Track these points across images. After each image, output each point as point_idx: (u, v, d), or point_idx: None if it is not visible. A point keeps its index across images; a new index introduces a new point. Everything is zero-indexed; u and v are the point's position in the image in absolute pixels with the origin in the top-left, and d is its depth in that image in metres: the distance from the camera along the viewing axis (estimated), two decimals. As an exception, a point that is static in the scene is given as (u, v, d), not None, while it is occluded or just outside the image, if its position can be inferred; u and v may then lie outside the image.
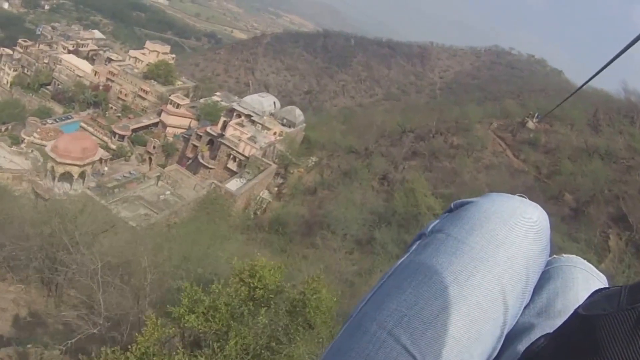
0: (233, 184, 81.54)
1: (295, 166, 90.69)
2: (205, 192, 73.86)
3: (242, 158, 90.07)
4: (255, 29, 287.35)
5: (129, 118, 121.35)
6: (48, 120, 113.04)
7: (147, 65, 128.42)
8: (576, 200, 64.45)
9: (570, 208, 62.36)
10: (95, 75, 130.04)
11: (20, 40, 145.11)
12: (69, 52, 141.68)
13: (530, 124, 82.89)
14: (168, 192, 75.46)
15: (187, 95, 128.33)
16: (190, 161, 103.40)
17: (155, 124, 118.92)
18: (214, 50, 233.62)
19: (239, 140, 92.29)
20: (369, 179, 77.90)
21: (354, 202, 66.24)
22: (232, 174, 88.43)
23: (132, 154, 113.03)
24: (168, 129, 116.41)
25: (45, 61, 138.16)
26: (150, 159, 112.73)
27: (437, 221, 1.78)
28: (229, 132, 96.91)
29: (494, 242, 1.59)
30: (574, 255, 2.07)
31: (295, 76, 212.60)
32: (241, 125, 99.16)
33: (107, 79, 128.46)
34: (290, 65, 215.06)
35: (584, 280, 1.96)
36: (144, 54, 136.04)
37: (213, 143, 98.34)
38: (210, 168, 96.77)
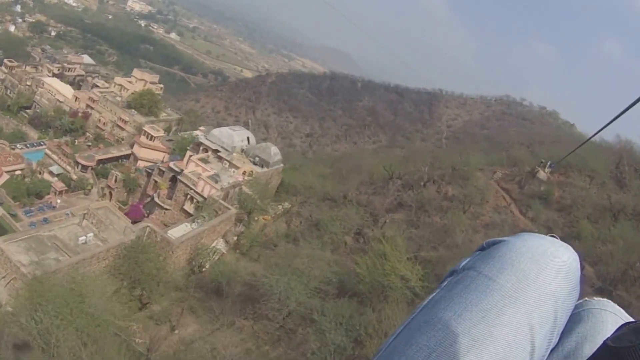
0: (179, 230, 65.58)
1: (260, 213, 74.96)
2: (134, 238, 57.06)
3: (200, 199, 74.03)
4: (266, 70, 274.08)
5: (99, 148, 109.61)
6: (18, 145, 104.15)
7: (133, 94, 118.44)
8: (600, 276, 47.07)
9: (592, 287, 44.49)
10: (75, 101, 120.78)
11: (6, 61, 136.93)
12: (54, 75, 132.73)
13: (542, 174, 65.86)
14: (91, 235, 59.24)
15: (169, 129, 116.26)
16: (149, 199, 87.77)
17: (127, 156, 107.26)
18: (217, 87, 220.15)
19: (198, 178, 76.18)
20: (342, 232, 61.81)
21: (313, 262, 49.86)
22: (189, 216, 73.00)
23: (92, 187, 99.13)
24: (139, 162, 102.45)
25: (28, 83, 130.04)
26: (110, 193, 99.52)
27: (469, 259, 1.80)
28: (190, 168, 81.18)
29: (524, 281, 1.59)
30: (605, 299, 2.01)
31: (298, 118, 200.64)
32: (205, 161, 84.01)
33: (87, 106, 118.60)
34: (294, 106, 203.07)
35: (613, 324, 1.89)
36: (130, 82, 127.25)
37: (176, 180, 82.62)
38: (166, 209, 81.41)
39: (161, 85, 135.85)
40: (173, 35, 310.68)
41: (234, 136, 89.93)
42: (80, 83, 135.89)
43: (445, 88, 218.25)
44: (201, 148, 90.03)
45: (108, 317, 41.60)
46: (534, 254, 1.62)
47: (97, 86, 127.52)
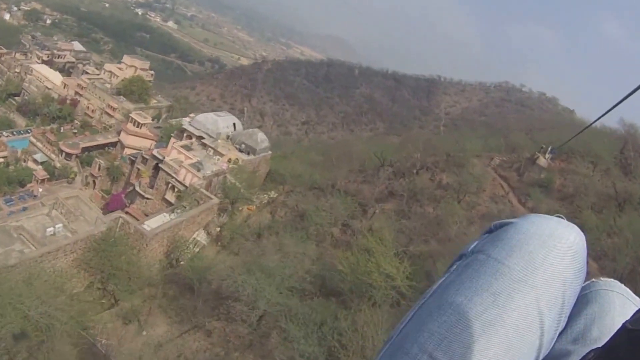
0: (156, 221, 61.14)
1: (245, 202, 70.48)
2: (104, 229, 52.53)
3: (182, 188, 69.44)
4: (263, 58, 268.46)
5: (85, 135, 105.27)
6: (4, 133, 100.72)
7: (123, 80, 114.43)
8: (605, 272, 42.21)
9: (598, 284, 39.77)
10: (64, 88, 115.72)
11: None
12: (43, 62, 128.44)
13: (542, 161, 61.26)
14: (60, 226, 54.85)
15: (159, 116, 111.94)
16: (131, 189, 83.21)
17: (114, 144, 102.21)
18: (213, 74, 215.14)
19: (180, 166, 71.37)
20: (329, 224, 57.82)
21: (290, 258, 45.53)
22: (171, 206, 69.08)
23: (76, 175, 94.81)
24: (126, 150, 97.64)
25: (17, 70, 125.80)
26: (94, 182, 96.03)
27: (477, 242, 1.79)
28: (172, 155, 76.41)
29: (532, 263, 1.59)
30: (612, 279, 2.02)
31: (294, 105, 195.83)
32: (188, 148, 79.15)
33: (76, 93, 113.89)
34: (290, 94, 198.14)
35: (620, 305, 1.92)
36: (120, 68, 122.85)
37: (159, 169, 78.07)
38: (147, 198, 76.73)
39: (152, 72, 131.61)
40: (170, 23, 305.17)
41: (219, 122, 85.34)
42: (71, 70, 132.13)
43: (444, 74, 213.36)
44: (185, 135, 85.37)
45: (61, 317, 37.03)
46: (542, 235, 1.61)
47: (87, 73, 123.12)
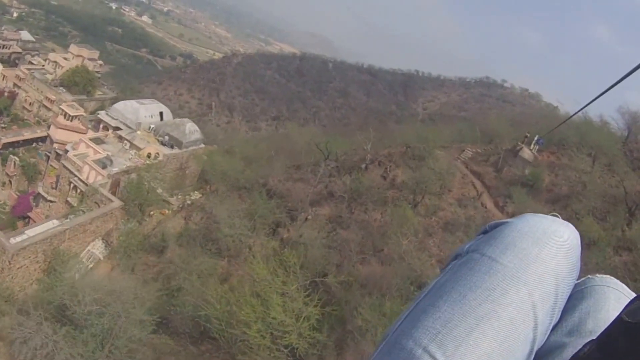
0: (40, 229, 46.87)
1: (160, 206, 57.24)
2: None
3: (85, 188, 56.49)
4: (235, 52, 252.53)
5: (13, 130, 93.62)
6: None
7: (68, 71, 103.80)
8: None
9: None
10: (2, 79, 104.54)
11: None
12: None
13: (526, 153, 46.16)
14: None
15: (102, 107, 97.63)
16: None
17: (43, 139, 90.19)
18: (181, 69, 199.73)
19: (84, 162, 56.64)
20: (245, 235, 43.85)
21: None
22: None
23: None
24: (56, 145, 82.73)
25: None
26: (10, 181, 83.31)
27: (472, 242, 1.76)
28: (80, 149, 61.63)
29: (525, 260, 1.59)
30: (608, 276, 1.99)
31: (264, 100, 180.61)
32: (99, 141, 64.22)
33: (15, 85, 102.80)
34: (260, 88, 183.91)
35: (615, 300, 1.89)
36: (66, 58, 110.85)
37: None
38: (51, 201, 62.03)
39: (100, 62, 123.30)
40: (145, 18, 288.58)
41: (140, 110, 70.39)
42: (17, 61, 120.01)
43: (422, 69, 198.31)
44: (101, 126, 70.42)
45: None
46: (536, 233, 1.60)
47: (32, 64, 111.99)
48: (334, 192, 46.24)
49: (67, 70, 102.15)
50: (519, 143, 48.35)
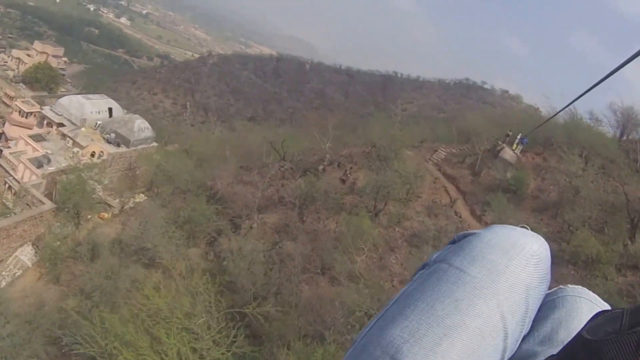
0: None
1: (95, 209, 49.98)
2: None
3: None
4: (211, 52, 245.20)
5: None
6: None
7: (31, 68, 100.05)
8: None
9: None
10: None
11: None
12: None
13: (508, 154, 39.12)
14: None
15: None
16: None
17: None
18: (156, 68, 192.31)
19: (19, 161, 50.07)
20: (183, 244, 37.30)
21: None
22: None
23: None
24: (10, 142, 76.31)
25: None
26: None
27: (440, 252, 1.73)
28: (19, 147, 55.29)
29: (494, 271, 1.56)
30: (580, 286, 1.94)
31: (240, 100, 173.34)
32: (40, 138, 57.29)
33: None
34: (236, 88, 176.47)
35: (588, 310, 1.84)
36: (29, 54, 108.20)
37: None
38: None
39: (65, 59, 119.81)
40: (123, 19, 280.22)
41: (86, 106, 62.96)
42: None
43: (401, 70, 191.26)
44: (45, 122, 63.11)
45: None
46: (504, 245, 1.57)
47: None
48: (285, 197, 38.83)
49: (30, 67, 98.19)
50: (500, 142, 41.31)
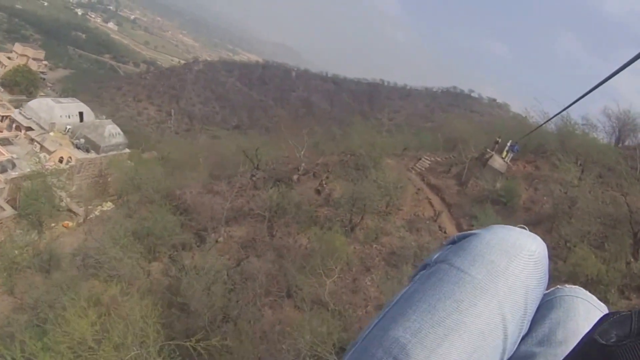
0: None
1: (59, 217, 47.87)
2: None
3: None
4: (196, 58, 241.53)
5: None
6: None
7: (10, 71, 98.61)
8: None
9: None
10: None
11: None
12: None
13: (497, 162, 35.67)
14: None
15: None
16: None
17: None
18: (141, 74, 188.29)
19: None
20: (148, 255, 34.72)
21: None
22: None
23: None
24: None
25: None
26: None
27: (440, 252, 1.71)
28: None
29: (494, 272, 1.56)
30: (577, 286, 1.93)
31: (225, 108, 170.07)
32: (6, 142, 53.79)
33: None
34: (221, 96, 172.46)
35: (585, 310, 1.82)
36: (9, 57, 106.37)
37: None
38: None
39: (45, 62, 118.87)
40: (111, 24, 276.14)
41: (55, 110, 59.37)
42: None
43: (387, 79, 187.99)
44: (14, 125, 59.61)
45: None
46: (504, 245, 1.57)
47: None
48: (254, 209, 35.16)
49: (10, 70, 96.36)
50: (488, 150, 37.78)
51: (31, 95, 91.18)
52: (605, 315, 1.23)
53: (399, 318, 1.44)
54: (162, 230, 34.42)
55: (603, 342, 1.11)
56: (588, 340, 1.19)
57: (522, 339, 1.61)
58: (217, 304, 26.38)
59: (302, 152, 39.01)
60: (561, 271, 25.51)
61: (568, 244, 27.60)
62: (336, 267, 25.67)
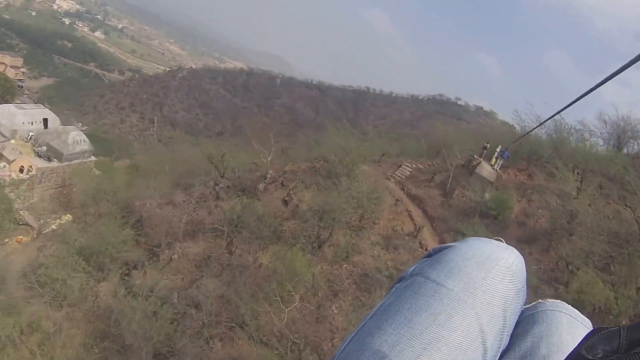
0: None
1: (10, 232, 42.94)
2: None
3: None
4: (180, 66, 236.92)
5: None
6: None
7: None
8: None
9: None
10: None
11: None
12: None
13: (486, 170, 31.45)
14: None
15: None
16: None
17: None
18: (124, 82, 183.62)
19: None
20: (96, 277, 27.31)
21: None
22: None
23: None
24: None
25: None
26: None
27: (416, 265, 1.68)
28: None
29: (472, 284, 1.54)
30: (559, 300, 1.90)
31: (209, 115, 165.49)
32: None
33: None
34: (205, 103, 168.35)
35: (568, 324, 1.79)
36: None
37: None
38: None
39: (23, 70, 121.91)
40: (98, 33, 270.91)
41: (17, 116, 54.52)
42: None
43: (373, 86, 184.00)
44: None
45: None
46: (480, 258, 1.54)
47: None
48: (213, 223, 30.69)
49: None
50: (476, 156, 33.55)
51: (6, 103, 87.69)
52: (593, 331, 1.19)
53: (375, 332, 1.40)
54: (109, 247, 29.97)
55: (590, 357, 1.09)
56: (574, 356, 1.16)
57: (505, 353, 1.56)
58: (161, 335, 22.03)
59: (269, 158, 34.65)
60: (563, 299, 21.16)
61: (570, 267, 23.29)
62: (297, 293, 21.27)
